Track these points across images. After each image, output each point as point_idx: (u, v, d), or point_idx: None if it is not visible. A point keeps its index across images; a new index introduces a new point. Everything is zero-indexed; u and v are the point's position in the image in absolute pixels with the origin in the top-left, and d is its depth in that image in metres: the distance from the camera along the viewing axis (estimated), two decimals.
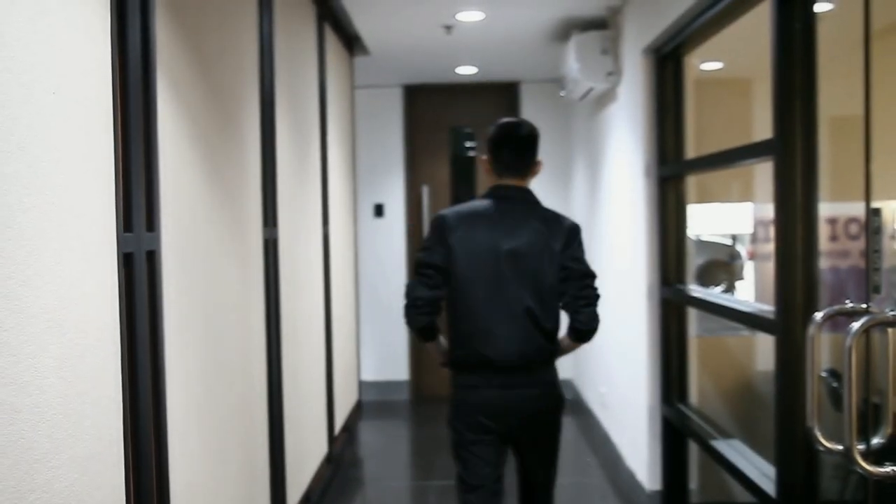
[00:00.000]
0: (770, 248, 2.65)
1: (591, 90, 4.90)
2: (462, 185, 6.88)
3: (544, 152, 7.06)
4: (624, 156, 4.56)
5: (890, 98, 2.06)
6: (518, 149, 2.88)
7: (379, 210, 6.89)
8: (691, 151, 3.88)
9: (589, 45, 4.69)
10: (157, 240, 1.97)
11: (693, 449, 3.90)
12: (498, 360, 2.75)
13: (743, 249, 5.37)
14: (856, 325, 1.71)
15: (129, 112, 1.82)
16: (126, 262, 1.80)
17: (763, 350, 3.58)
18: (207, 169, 2.44)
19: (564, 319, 2.92)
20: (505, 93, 6.92)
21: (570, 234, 2.83)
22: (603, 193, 5.25)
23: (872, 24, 2.03)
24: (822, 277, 2.52)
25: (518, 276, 2.76)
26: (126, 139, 1.81)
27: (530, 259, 2.77)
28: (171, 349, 2.06)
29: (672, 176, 3.93)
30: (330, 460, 4.51)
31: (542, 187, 6.81)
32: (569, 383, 6.73)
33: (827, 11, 2.47)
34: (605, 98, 5.07)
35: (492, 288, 2.76)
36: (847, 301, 2.01)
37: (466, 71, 6.41)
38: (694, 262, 4.67)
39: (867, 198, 2.00)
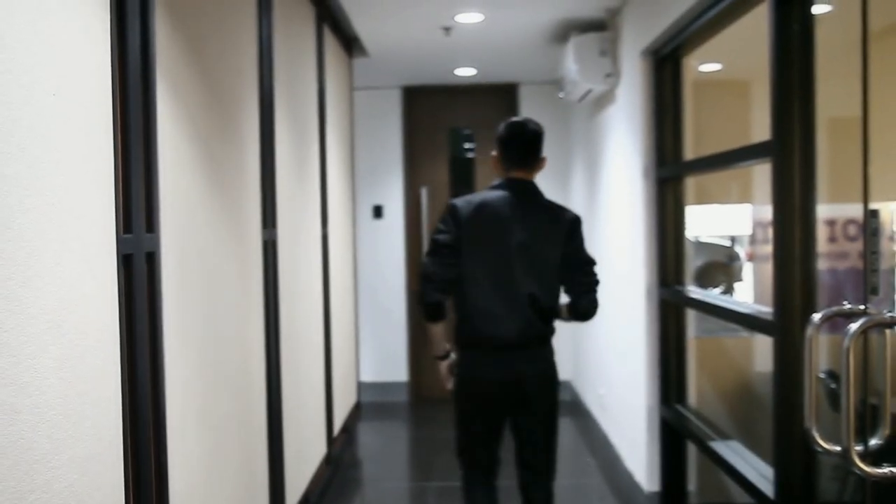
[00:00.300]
0: (769, 249, 2.65)
1: (589, 92, 4.91)
2: (461, 187, 6.88)
3: (543, 154, 7.04)
4: (623, 157, 4.57)
5: (888, 99, 2.07)
6: (525, 145, 3.12)
7: (378, 211, 6.90)
8: (690, 153, 3.88)
9: (587, 47, 4.69)
10: (156, 241, 1.97)
11: (692, 450, 3.91)
12: (500, 339, 2.99)
13: (742, 251, 5.37)
14: (854, 326, 1.72)
15: (129, 113, 1.82)
16: (126, 263, 1.80)
17: (761, 351, 3.58)
18: (207, 170, 2.45)
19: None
20: (504, 94, 6.92)
21: (572, 225, 3.08)
22: (602, 195, 5.26)
23: (870, 25, 2.03)
24: (820, 279, 2.53)
25: (523, 263, 3.01)
26: (126, 140, 1.81)
27: (535, 247, 3.02)
28: (170, 350, 2.07)
29: (671, 177, 3.94)
30: (329, 461, 4.51)
31: (542, 188, 6.81)
32: (568, 385, 6.74)
33: (825, 13, 2.48)
34: (604, 99, 5.07)
35: (498, 272, 3.00)
36: (845, 302, 2.01)
37: (465, 72, 6.42)
38: (693, 263, 4.68)
39: (865, 199, 2.01)
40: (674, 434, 3.94)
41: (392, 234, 6.90)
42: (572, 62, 4.76)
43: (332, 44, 4.79)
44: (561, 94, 5.46)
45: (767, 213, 2.64)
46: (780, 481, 2.57)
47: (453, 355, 3.19)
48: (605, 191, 5.13)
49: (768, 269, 2.69)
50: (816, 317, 1.94)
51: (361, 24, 4.90)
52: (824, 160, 2.47)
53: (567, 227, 3.06)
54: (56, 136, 1.50)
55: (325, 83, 4.47)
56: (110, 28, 1.75)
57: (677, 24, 3.49)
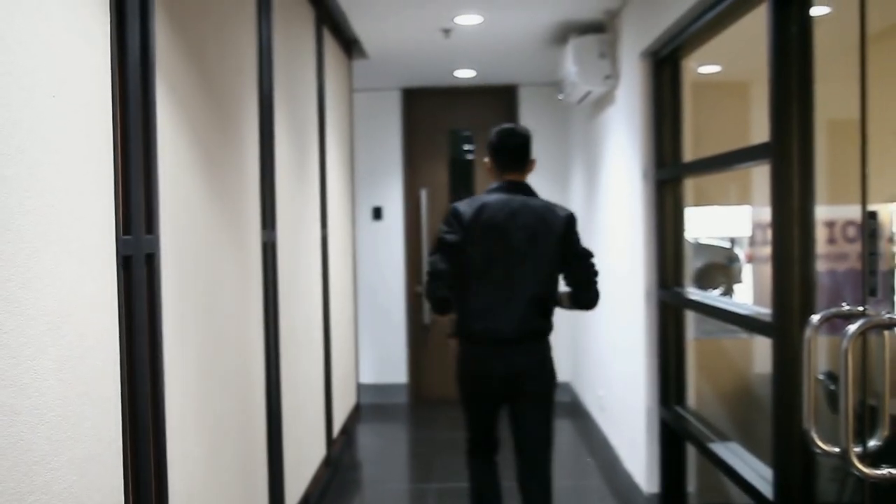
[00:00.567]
0: (768, 251, 2.66)
1: (588, 93, 4.91)
2: (461, 188, 6.89)
3: (542, 156, 7.08)
4: (622, 159, 4.57)
5: (886, 101, 2.07)
6: (516, 149, 3.36)
7: (377, 213, 6.90)
8: (689, 154, 3.89)
9: (587, 49, 4.70)
10: (156, 243, 1.97)
11: (691, 451, 3.91)
12: (498, 334, 3.18)
13: (741, 252, 5.38)
14: (852, 327, 1.72)
15: (129, 115, 1.82)
16: (125, 264, 1.80)
17: (760, 352, 3.59)
18: (206, 172, 2.45)
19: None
20: (503, 96, 6.93)
21: (568, 222, 3.26)
22: (601, 196, 5.26)
23: (868, 27, 2.04)
24: (819, 280, 2.53)
25: (520, 260, 3.19)
26: (125, 142, 1.81)
27: (532, 244, 3.19)
28: (169, 351, 2.07)
29: (670, 179, 3.94)
30: (328, 463, 4.51)
31: (541, 190, 6.81)
32: (567, 386, 6.74)
33: (823, 15, 2.48)
34: (603, 101, 5.08)
35: (497, 271, 3.18)
36: (844, 304, 2.02)
37: (465, 74, 6.43)
38: (692, 265, 4.68)
39: (863, 201, 2.01)
40: (673, 435, 3.94)
41: (391, 235, 6.90)
42: (571, 64, 4.76)
43: (331, 46, 4.80)
44: (560, 96, 5.47)
45: (767, 214, 2.64)
46: (779, 482, 2.57)
47: None
48: (605, 192, 5.13)
49: (768, 270, 2.70)
50: (815, 318, 1.94)
51: (361, 26, 4.90)
52: (823, 162, 2.48)
53: (562, 224, 3.23)
54: (56, 138, 1.50)
55: (324, 85, 4.47)
56: (110, 30, 1.75)
57: (676, 25, 3.49)
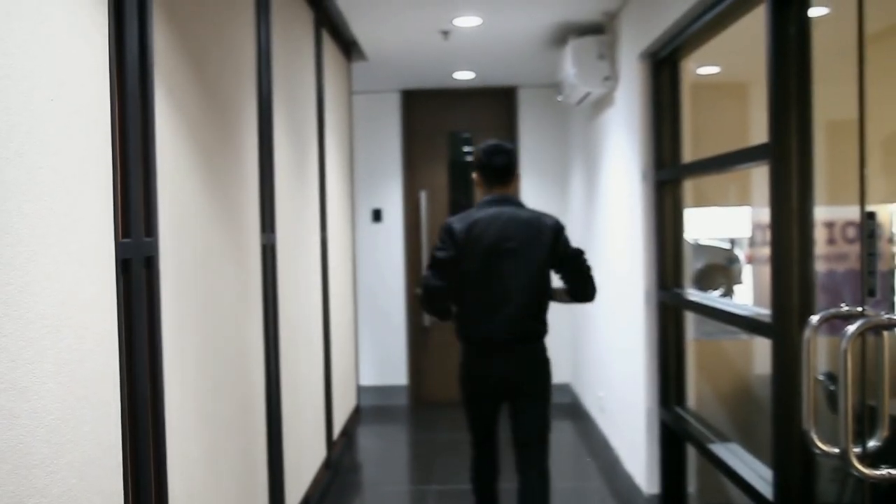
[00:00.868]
0: (768, 251, 2.66)
1: (588, 95, 4.92)
2: (460, 190, 6.89)
3: (542, 157, 7.06)
4: (621, 160, 4.58)
5: (884, 102, 2.07)
6: (501, 165, 3.52)
7: (377, 215, 6.90)
8: (688, 155, 3.89)
9: (586, 50, 4.70)
10: (155, 245, 1.97)
11: (691, 452, 3.91)
12: (496, 338, 3.39)
13: (741, 253, 5.38)
14: (851, 328, 1.72)
15: (127, 118, 1.82)
16: (124, 267, 1.80)
17: (760, 353, 3.59)
18: (205, 174, 2.45)
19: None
20: (502, 98, 6.93)
21: (556, 230, 3.45)
22: (600, 197, 5.26)
23: (866, 28, 2.04)
24: (819, 280, 2.53)
25: (512, 270, 3.39)
26: (124, 145, 1.81)
27: (521, 254, 3.40)
28: (169, 354, 2.07)
29: (669, 180, 3.94)
30: (328, 465, 4.51)
31: (540, 191, 6.84)
32: (567, 387, 6.74)
33: (822, 16, 2.48)
34: (603, 102, 5.08)
35: (491, 280, 3.39)
36: (843, 304, 2.02)
37: (464, 76, 6.43)
38: (692, 265, 4.68)
39: (862, 201, 2.01)
40: (673, 436, 3.94)
41: (391, 237, 6.90)
42: (570, 65, 4.76)
43: (330, 48, 4.80)
44: (559, 98, 5.47)
45: (767, 215, 2.64)
46: (779, 483, 2.57)
47: None
48: (604, 193, 5.13)
49: (768, 271, 2.70)
50: (814, 319, 1.94)
51: (360, 29, 4.91)
52: (822, 163, 2.48)
53: (550, 232, 3.43)
54: (54, 141, 1.51)
55: (323, 87, 4.47)
56: (108, 33, 1.75)
57: (675, 27, 3.50)
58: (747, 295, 4.93)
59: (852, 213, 2.08)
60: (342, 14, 4.56)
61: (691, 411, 3.86)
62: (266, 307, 3.16)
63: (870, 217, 1.98)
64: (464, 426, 3.65)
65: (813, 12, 2.44)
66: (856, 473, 1.72)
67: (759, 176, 3.53)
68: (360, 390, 6.12)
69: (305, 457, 3.89)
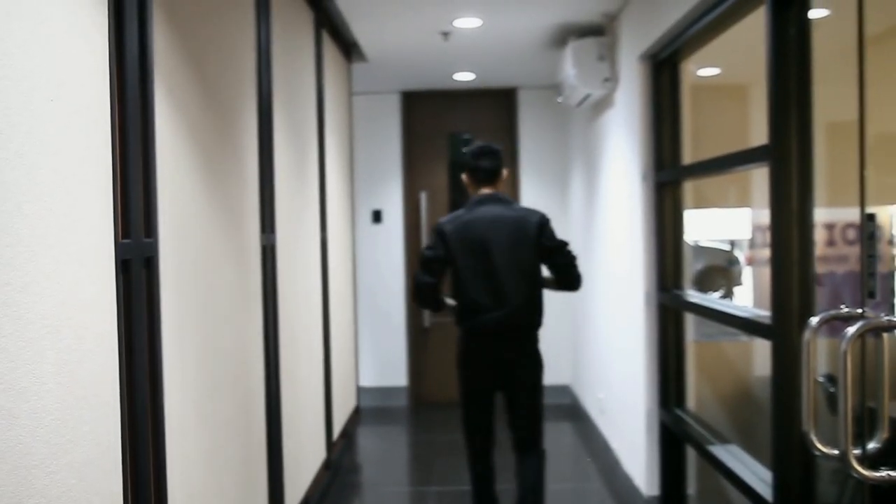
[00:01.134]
0: (768, 253, 2.66)
1: (588, 96, 4.92)
2: (460, 191, 6.89)
3: (542, 158, 7.05)
4: (621, 161, 4.58)
5: (884, 103, 2.07)
6: (488, 166, 3.77)
7: (377, 216, 6.90)
8: (688, 157, 3.89)
9: (586, 52, 4.70)
10: (154, 246, 1.97)
11: (691, 454, 3.91)
12: (491, 329, 3.63)
13: (741, 255, 5.38)
14: (851, 330, 1.72)
15: (127, 118, 1.82)
16: (124, 268, 1.80)
17: (760, 355, 3.59)
18: (205, 175, 2.45)
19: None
20: (502, 99, 6.93)
21: (541, 223, 3.69)
22: (600, 199, 5.26)
23: (866, 29, 2.04)
24: (819, 282, 2.53)
25: (503, 264, 3.63)
26: (124, 146, 1.81)
27: (511, 248, 3.63)
28: (168, 355, 2.07)
29: (669, 181, 3.94)
30: (328, 466, 4.51)
31: (541, 193, 6.84)
32: (567, 389, 6.74)
33: (822, 18, 2.48)
34: (603, 104, 5.08)
35: (484, 275, 3.63)
36: (843, 306, 2.02)
37: (464, 77, 6.43)
38: (692, 267, 4.68)
39: (862, 203, 2.01)
40: (673, 438, 3.94)
41: (391, 238, 6.90)
42: (571, 67, 4.76)
43: (330, 49, 4.80)
44: (559, 99, 5.47)
45: (766, 217, 2.64)
46: (779, 485, 2.57)
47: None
48: (604, 195, 5.13)
49: (768, 272, 2.70)
50: (814, 320, 1.94)
51: (360, 30, 4.91)
52: (822, 164, 2.48)
53: (536, 225, 3.66)
54: (54, 141, 1.51)
55: (323, 88, 4.47)
56: (108, 34, 1.75)
57: (675, 28, 3.50)
58: (747, 296, 4.93)
59: (852, 214, 2.08)
60: (342, 15, 4.56)
61: (691, 413, 3.86)
62: (266, 308, 3.16)
63: (870, 219, 1.98)
64: (462, 441, 3.79)
65: (813, 14, 2.44)
66: (855, 475, 1.72)
67: (759, 177, 3.53)
68: (360, 391, 6.12)
69: (305, 457, 3.89)
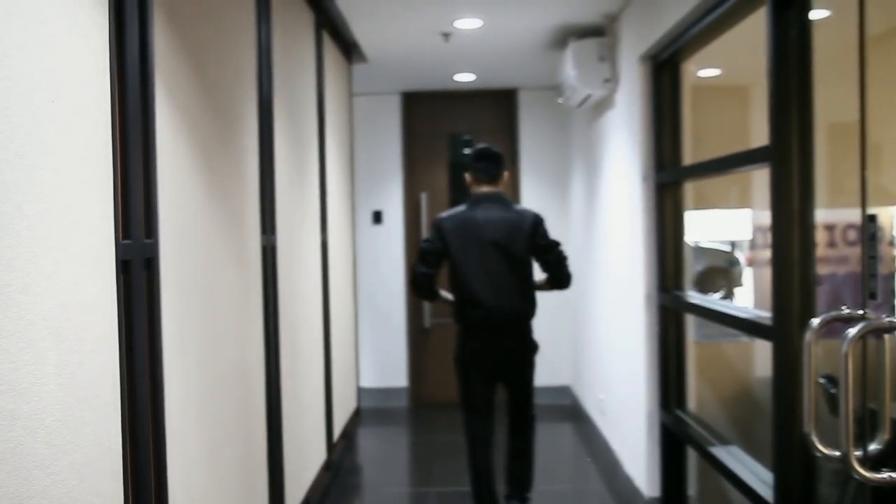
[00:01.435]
0: (769, 254, 2.65)
1: (588, 97, 4.92)
2: (460, 192, 6.88)
3: (542, 159, 7.06)
4: (622, 162, 4.57)
5: (885, 104, 2.07)
6: (490, 164, 3.98)
7: (377, 217, 6.90)
8: (689, 158, 3.88)
9: (586, 53, 4.70)
10: (155, 247, 1.97)
11: (692, 455, 3.90)
12: (488, 320, 3.89)
13: (741, 256, 5.38)
14: (852, 331, 1.72)
15: (128, 120, 1.82)
16: (124, 269, 1.80)
17: (761, 356, 3.58)
18: (206, 176, 2.45)
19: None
20: (503, 99, 6.93)
21: (535, 223, 3.93)
22: (601, 200, 5.26)
23: (867, 30, 2.04)
24: (820, 283, 2.53)
25: (499, 259, 3.87)
26: (124, 146, 1.81)
27: (506, 244, 3.87)
28: (169, 356, 2.07)
29: (670, 182, 3.94)
30: (329, 467, 4.50)
31: (541, 193, 6.84)
32: (567, 389, 6.73)
33: (823, 18, 2.48)
34: (603, 105, 5.08)
35: (481, 269, 3.87)
36: (844, 307, 2.01)
37: (464, 78, 6.43)
38: (693, 268, 4.68)
39: (863, 204, 2.01)
40: (674, 439, 3.94)
41: (392, 239, 6.90)
42: (571, 67, 4.76)
43: (331, 50, 4.80)
44: (560, 100, 5.47)
45: (767, 217, 2.64)
46: (780, 486, 2.56)
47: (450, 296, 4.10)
48: (605, 195, 5.13)
49: (768, 273, 2.69)
50: (815, 321, 1.94)
51: (360, 30, 4.91)
52: (823, 165, 2.47)
53: (530, 224, 3.90)
54: (54, 142, 1.50)
55: (324, 89, 4.47)
56: (109, 34, 1.75)
57: (675, 29, 3.49)
58: (748, 297, 4.93)
59: (853, 215, 2.08)
60: (343, 16, 4.56)
61: (692, 414, 3.86)
62: (266, 309, 3.16)
63: (871, 220, 1.98)
64: (462, 434, 4.00)
65: (814, 15, 2.44)
66: (857, 477, 1.72)
67: (759, 178, 3.52)
68: (361, 392, 6.12)
69: (306, 458, 3.89)
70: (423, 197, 6.88)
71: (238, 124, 2.83)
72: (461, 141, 7.04)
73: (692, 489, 3.99)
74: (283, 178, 3.47)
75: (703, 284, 5.11)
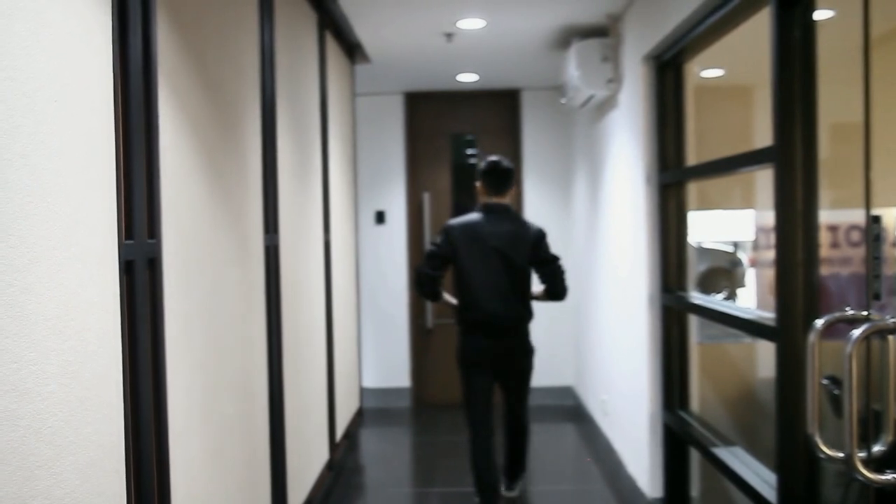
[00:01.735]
0: (772, 255, 2.65)
1: (591, 97, 4.91)
2: (463, 192, 6.89)
3: (545, 159, 7.07)
4: (625, 163, 4.57)
5: (889, 104, 2.07)
6: (500, 178, 4.18)
7: (380, 217, 6.90)
8: (692, 158, 3.88)
9: (589, 53, 4.70)
10: (158, 247, 1.97)
11: (695, 456, 3.90)
12: (488, 322, 4.09)
13: (745, 256, 5.37)
14: (856, 332, 1.71)
15: (131, 120, 1.82)
16: (127, 269, 1.80)
17: (764, 357, 3.58)
18: (209, 176, 2.45)
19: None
20: (506, 100, 6.93)
21: (537, 237, 4.15)
22: (604, 200, 5.26)
23: (872, 31, 2.03)
24: (823, 284, 2.52)
25: (501, 266, 4.08)
26: (127, 147, 1.81)
27: (509, 253, 4.08)
28: (172, 356, 2.07)
29: (673, 183, 3.94)
30: (331, 467, 4.50)
31: (544, 194, 6.84)
32: (570, 390, 6.73)
33: (826, 19, 2.48)
34: (606, 105, 5.07)
35: (484, 274, 4.08)
36: (847, 308, 2.01)
37: (467, 78, 6.43)
38: (696, 269, 4.67)
39: (867, 205, 2.01)
40: (676, 440, 3.93)
41: (394, 239, 6.90)
42: (574, 68, 4.76)
43: (334, 50, 4.80)
44: (563, 100, 5.47)
45: (770, 218, 2.64)
46: (783, 487, 2.56)
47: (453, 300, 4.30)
48: (608, 196, 5.13)
49: (771, 274, 2.69)
50: (819, 322, 1.94)
51: (363, 31, 4.91)
52: (826, 166, 2.47)
53: (532, 237, 4.12)
54: (58, 142, 1.50)
55: (327, 89, 4.48)
56: (112, 35, 1.75)
57: (679, 29, 3.49)
58: (750, 298, 4.93)
59: (856, 216, 2.07)
60: (346, 16, 4.56)
61: (695, 415, 3.86)
62: (269, 309, 3.16)
63: (875, 220, 1.97)
64: (465, 428, 4.05)
65: (818, 15, 2.44)
66: (860, 478, 1.71)
67: (762, 179, 3.52)
68: (363, 392, 6.12)
69: (308, 459, 3.89)
70: (426, 197, 6.88)
71: (241, 124, 2.83)
72: (464, 141, 7.04)
73: (695, 490, 3.98)
74: (286, 177, 3.47)
75: (706, 285, 5.11)
